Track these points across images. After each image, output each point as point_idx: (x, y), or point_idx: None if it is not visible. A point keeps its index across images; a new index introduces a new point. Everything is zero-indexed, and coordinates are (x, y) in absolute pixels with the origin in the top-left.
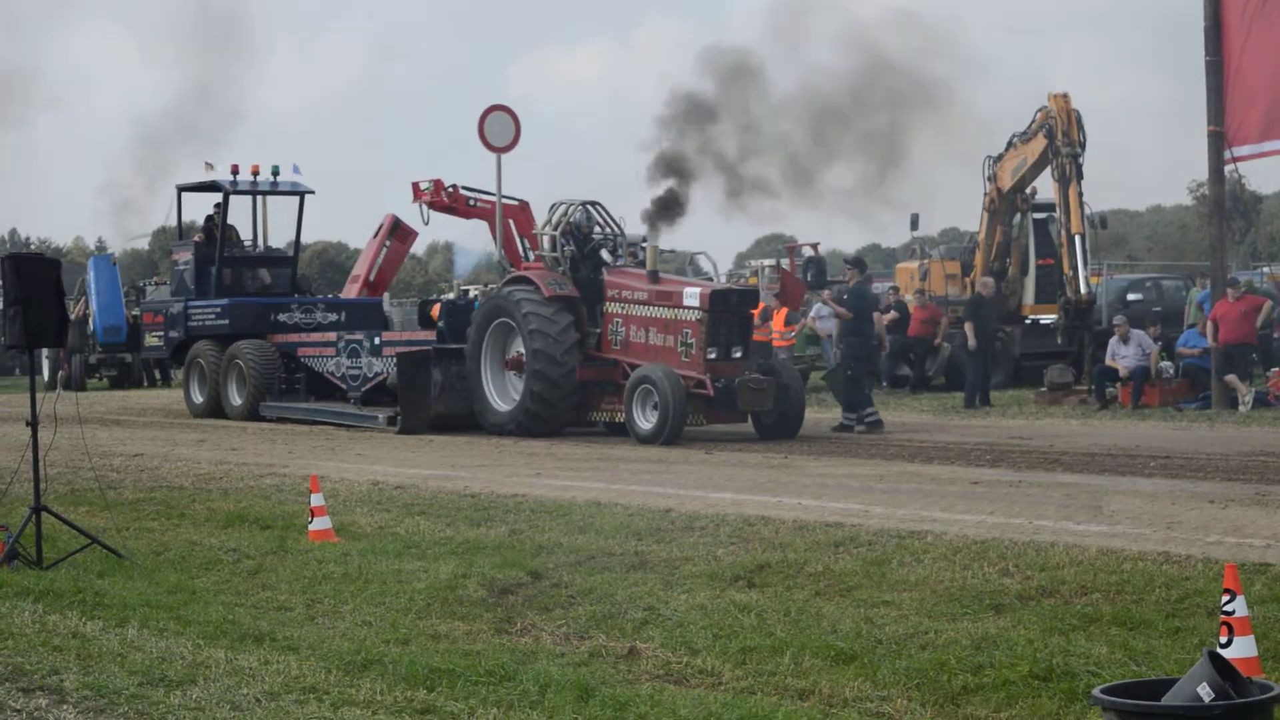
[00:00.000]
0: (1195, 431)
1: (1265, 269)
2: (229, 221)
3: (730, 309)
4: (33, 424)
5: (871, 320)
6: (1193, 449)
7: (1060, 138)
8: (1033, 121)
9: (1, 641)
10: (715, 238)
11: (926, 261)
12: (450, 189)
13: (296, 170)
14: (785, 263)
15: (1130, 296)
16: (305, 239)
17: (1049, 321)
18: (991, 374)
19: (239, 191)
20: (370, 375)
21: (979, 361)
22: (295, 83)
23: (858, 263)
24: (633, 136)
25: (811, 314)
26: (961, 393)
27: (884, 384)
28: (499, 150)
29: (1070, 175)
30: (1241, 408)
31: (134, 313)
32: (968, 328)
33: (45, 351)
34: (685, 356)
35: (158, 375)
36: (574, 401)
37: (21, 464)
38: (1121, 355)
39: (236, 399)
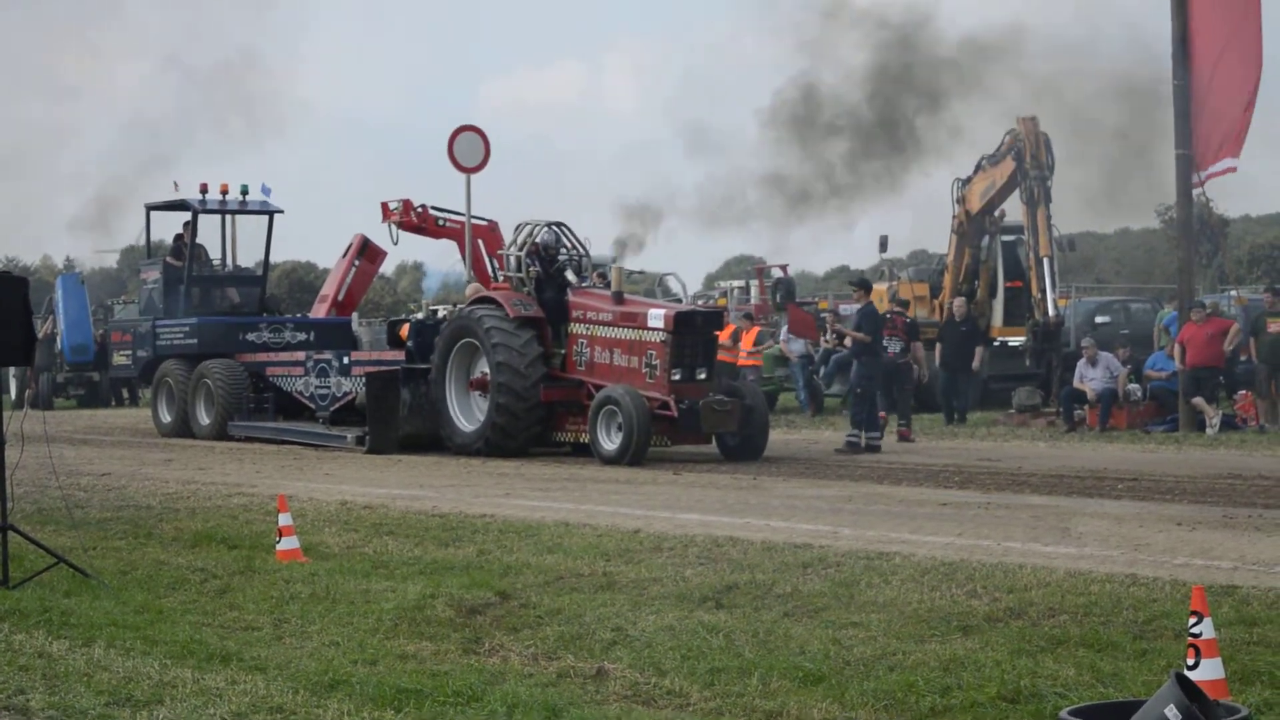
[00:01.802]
0: (1163, 454)
1: (1233, 292)
2: (198, 241)
3: (695, 330)
4: None
5: (880, 340)
6: (1160, 471)
7: (1029, 160)
8: (1001, 144)
9: None
10: (684, 259)
11: (895, 283)
12: (419, 209)
13: (265, 190)
14: (755, 284)
15: (1098, 319)
16: (274, 258)
17: (1017, 344)
18: (961, 391)
19: (207, 210)
20: (339, 395)
21: (943, 380)
22: (268, 102)
23: (863, 284)
24: (602, 157)
25: (781, 337)
26: (926, 414)
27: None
28: (468, 171)
29: (1038, 198)
30: (1209, 430)
31: (102, 331)
32: (937, 349)
33: (12, 370)
34: (650, 378)
35: (125, 394)
36: (539, 417)
37: None
38: (1089, 377)
39: (205, 418)
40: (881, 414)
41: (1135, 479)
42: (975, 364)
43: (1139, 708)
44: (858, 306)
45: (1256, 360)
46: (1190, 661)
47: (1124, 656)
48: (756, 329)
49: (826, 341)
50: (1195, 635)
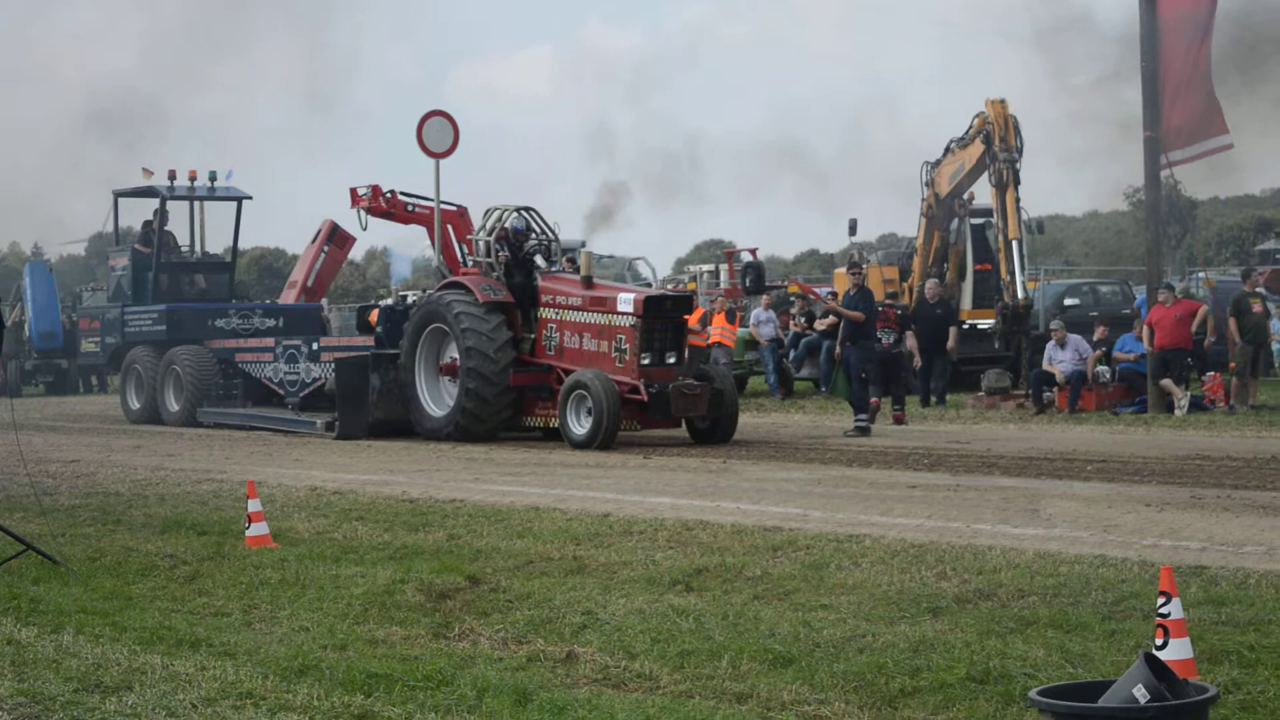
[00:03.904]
0: (1131, 435)
1: (1201, 274)
2: (166, 227)
3: (664, 315)
4: None
5: (874, 321)
6: (1129, 453)
7: (998, 143)
8: (970, 127)
9: None
10: (654, 243)
11: (865, 267)
12: (388, 194)
13: (232, 176)
14: (724, 268)
15: (1067, 301)
16: (243, 245)
17: (986, 326)
18: (937, 374)
19: (176, 197)
20: (308, 381)
21: (922, 362)
22: (233, 89)
23: (858, 266)
24: (573, 142)
25: (751, 320)
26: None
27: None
28: (437, 156)
29: (1007, 181)
30: (1177, 412)
31: (70, 318)
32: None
33: None
34: (619, 362)
35: (94, 381)
36: (509, 401)
37: None
38: (1058, 360)
39: (174, 405)
40: (875, 400)
41: (1104, 460)
42: (950, 344)
43: (1108, 688)
44: (850, 289)
45: (1240, 340)
46: (1159, 641)
47: (1093, 637)
48: (723, 313)
49: (795, 325)
50: (1164, 615)
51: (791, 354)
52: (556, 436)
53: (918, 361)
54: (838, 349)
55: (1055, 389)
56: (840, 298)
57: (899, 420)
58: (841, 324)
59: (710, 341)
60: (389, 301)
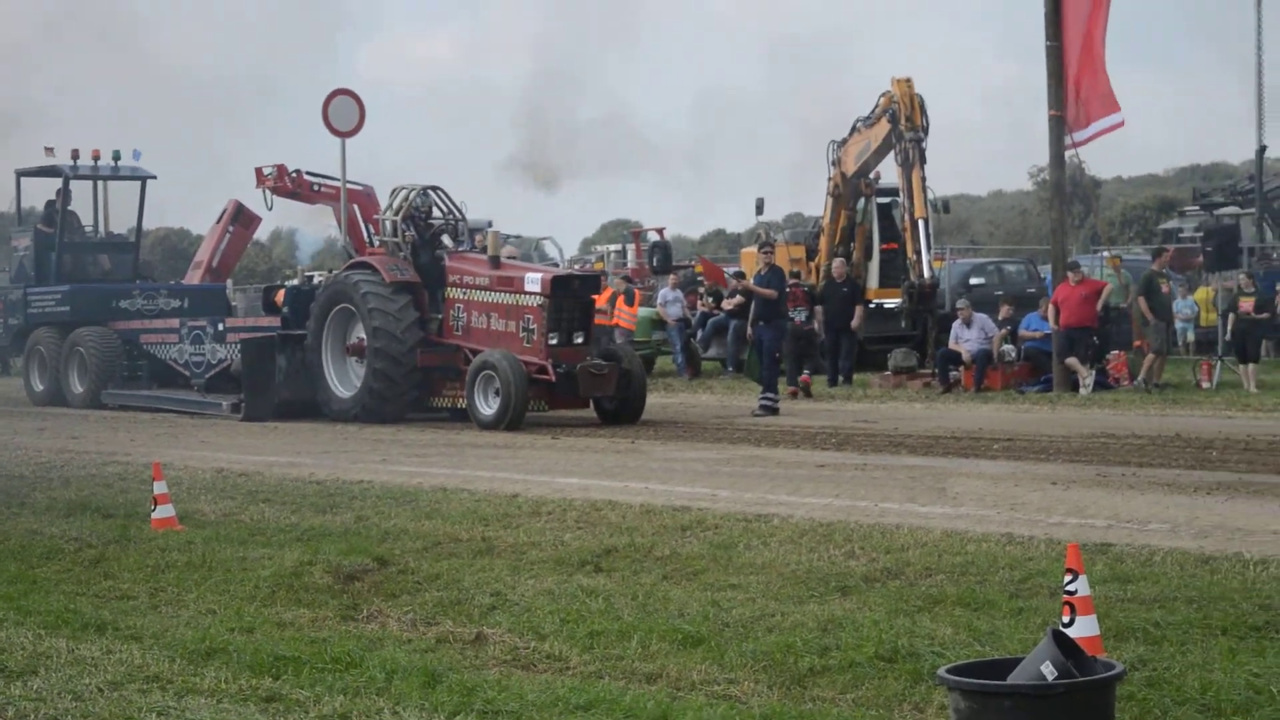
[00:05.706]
0: (1037, 414)
1: (1105, 252)
2: (70, 207)
3: (572, 294)
4: None
5: (785, 299)
6: (1035, 431)
7: (904, 122)
8: (876, 106)
9: None
10: (561, 223)
11: (774, 245)
12: (294, 174)
13: (137, 156)
14: (631, 248)
15: (973, 280)
16: (147, 225)
17: (893, 306)
18: (844, 353)
19: (79, 176)
20: (214, 362)
21: (828, 341)
22: (137, 66)
23: (770, 244)
24: (484, 120)
25: (659, 300)
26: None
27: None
28: (343, 135)
29: (913, 160)
30: (1082, 390)
31: None
32: (817, 310)
33: None
34: (527, 342)
35: None
36: (416, 381)
37: None
38: (964, 339)
39: (78, 387)
40: (805, 377)
41: (1010, 439)
42: (855, 323)
43: (1016, 665)
44: (761, 268)
45: (1153, 319)
46: (1066, 619)
47: (1000, 615)
48: (639, 292)
49: (701, 303)
50: (1070, 593)
51: (699, 334)
52: (464, 417)
53: (821, 337)
54: (749, 329)
55: (961, 368)
56: (751, 278)
57: (805, 384)
58: (753, 304)
59: (615, 324)
60: (295, 282)
